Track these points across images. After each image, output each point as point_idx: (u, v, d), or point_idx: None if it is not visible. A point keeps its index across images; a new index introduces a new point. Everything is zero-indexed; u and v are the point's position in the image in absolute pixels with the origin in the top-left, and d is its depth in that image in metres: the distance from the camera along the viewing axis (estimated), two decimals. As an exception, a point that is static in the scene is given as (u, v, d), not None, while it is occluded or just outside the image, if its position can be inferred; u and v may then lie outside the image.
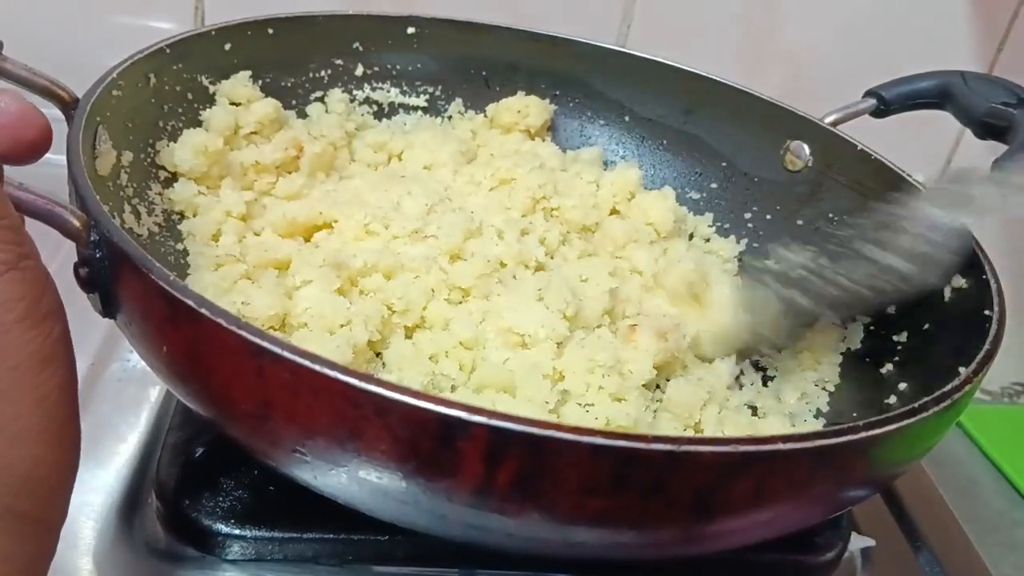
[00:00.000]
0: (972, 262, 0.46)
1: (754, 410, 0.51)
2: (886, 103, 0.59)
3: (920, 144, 0.80)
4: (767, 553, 0.46)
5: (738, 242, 0.62)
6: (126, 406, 0.51)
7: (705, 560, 0.45)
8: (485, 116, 0.66)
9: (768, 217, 0.61)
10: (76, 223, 0.35)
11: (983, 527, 0.56)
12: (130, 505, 0.46)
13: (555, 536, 0.33)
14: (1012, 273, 0.47)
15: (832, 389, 0.51)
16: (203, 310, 0.31)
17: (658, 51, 0.65)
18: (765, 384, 0.53)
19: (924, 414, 0.34)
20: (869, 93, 0.60)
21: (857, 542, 0.50)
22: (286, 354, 0.30)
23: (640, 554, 0.37)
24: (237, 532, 0.43)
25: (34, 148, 0.35)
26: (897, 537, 0.53)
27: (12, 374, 0.29)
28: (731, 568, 0.46)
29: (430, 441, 0.30)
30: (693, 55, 0.65)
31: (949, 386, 0.36)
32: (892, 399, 0.46)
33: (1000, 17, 0.81)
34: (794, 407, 0.50)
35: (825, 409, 0.50)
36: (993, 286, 0.44)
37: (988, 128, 0.55)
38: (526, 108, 0.65)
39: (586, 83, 0.66)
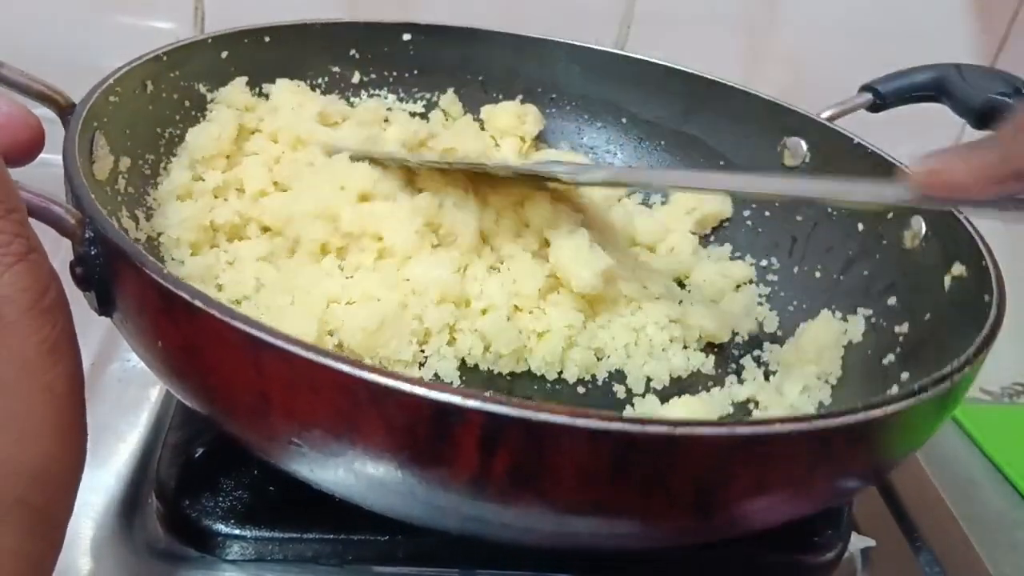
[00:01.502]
0: (971, 249, 0.46)
1: (756, 404, 0.50)
2: (882, 97, 0.59)
3: (919, 138, 0.80)
4: (767, 553, 0.46)
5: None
6: (126, 406, 0.51)
7: (704, 558, 0.45)
8: (476, 119, 0.66)
9: (767, 214, 0.61)
10: (72, 221, 0.35)
11: (983, 527, 0.55)
12: (130, 505, 0.45)
13: (552, 524, 0.33)
14: (1013, 271, 0.46)
15: (834, 382, 0.51)
16: (197, 302, 0.31)
17: (657, 51, 0.65)
18: (767, 378, 0.52)
19: (924, 395, 0.34)
20: (865, 88, 0.60)
21: (857, 542, 0.49)
22: (281, 344, 0.30)
23: (638, 542, 0.36)
24: (237, 532, 0.43)
25: (29, 149, 0.35)
26: (897, 537, 0.52)
27: (20, 367, 0.29)
28: (731, 567, 0.46)
29: (425, 428, 0.30)
30: (693, 55, 0.65)
31: (948, 367, 0.36)
32: (895, 389, 0.46)
33: (1000, 16, 0.81)
34: (796, 400, 0.50)
35: (828, 402, 0.50)
36: (992, 272, 0.43)
37: (986, 119, 0.55)
38: (524, 115, 0.65)
39: (582, 86, 0.67)
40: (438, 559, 0.44)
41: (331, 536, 0.43)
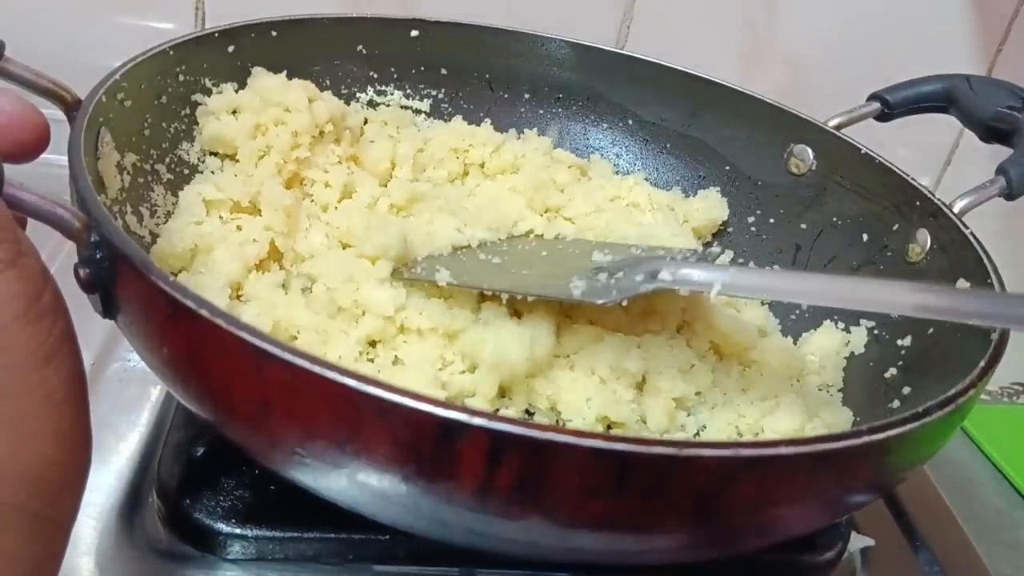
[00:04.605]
0: (976, 267, 0.46)
1: None
2: (890, 107, 0.59)
3: (922, 146, 0.80)
4: (767, 553, 0.46)
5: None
6: (127, 406, 0.51)
7: (705, 559, 0.45)
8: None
9: (771, 221, 0.61)
10: (76, 224, 0.35)
11: (983, 527, 0.56)
12: (131, 505, 0.46)
13: (556, 541, 0.33)
14: (1012, 274, 0.46)
15: (835, 393, 0.51)
16: (203, 311, 0.31)
17: (658, 52, 0.65)
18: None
19: (927, 419, 0.34)
20: (873, 97, 0.59)
21: (857, 542, 0.50)
22: (285, 355, 0.30)
23: (641, 559, 0.36)
24: (238, 531, 0.43)
25: (33, 148, 0.35)
26: (897, 537, 0.53)
27: (14, 372, 0.29)
28: (731, 568, 0.46)
29: (430, 443, 0.30)
30: (693, 56, 0.65)
31: (953, 390, 0.36)
32: (896, 403, 0.46)
33: (1000, 18, 0.81)
34: (797, 411, 0.50)
35: None
36: (997, 290, 0.43)
37: (993, 132, 0.55)
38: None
39: (589, 86, 0.66)
40: (438, 559, 0.44)
41: (332, 535, 0.44)
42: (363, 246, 0.50)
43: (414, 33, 0.64)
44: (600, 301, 0.44)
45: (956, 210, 0.50)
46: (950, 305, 0.35)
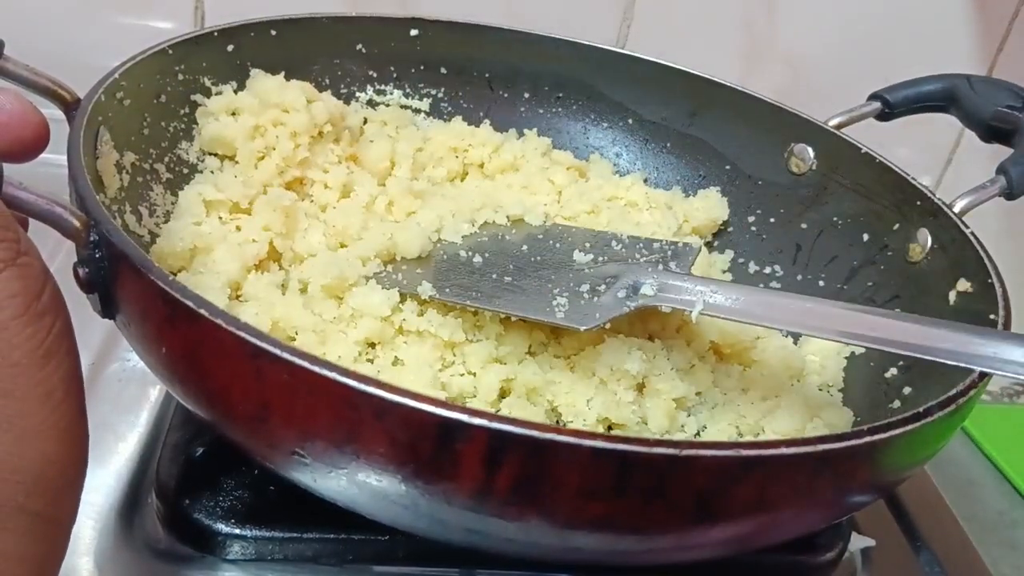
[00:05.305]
0: (977, 267, 0.46)
1: None
2: (891, 106, 0.59)
3: (922, 146, 0.80)
4: (767, 553, 0.46)
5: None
6: (126, 406, 0.51)
7: (705, 560, 0.45)
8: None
9: (772, 220, 0.61)
10: (76, 223, 0.35)
11: (983, 527, 0.56)
12: (130, 505, 0.46)
13: (556, 541, 0.33)
14: (1012, 273, 0.46)
15: (836, 393, 0.51)
16: (202, 310, 0.31)
17: (658, 51, 0.65)
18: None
19: (928, 419, 0.34)
20: (874, 96, 0.59)
21: (857, 542, 0.50)
22: (285, 355, 0.30)
23: (641, 559, 0.36)
24: (237, 532, 0.43)
25: (32, 147, 0.35)
26: (897, 537, 0.53)
27: (14, 371, 0.29)
28: (731, 568, 0.46)
29: (429, 444, 0.30)
30: (693, 55, 0.64)
31: (954, 391, 0.36)
32: (896, 403, 0.46)
33: (1000, 18, 0.81)
34: (798, 411, 0.50)
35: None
36: (998, 289, 0.43)
37: (994, 132, 0.55)
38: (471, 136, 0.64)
39: (589, 85, 0.66)
40: (438, 559, 0.44)
41: (331, 536, 0.44)
42: (354, 247, 0.50)
43: (414, 32, 0.64)
44: (583, 328, 0.45)
45: (956, 210, 0.50)
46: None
